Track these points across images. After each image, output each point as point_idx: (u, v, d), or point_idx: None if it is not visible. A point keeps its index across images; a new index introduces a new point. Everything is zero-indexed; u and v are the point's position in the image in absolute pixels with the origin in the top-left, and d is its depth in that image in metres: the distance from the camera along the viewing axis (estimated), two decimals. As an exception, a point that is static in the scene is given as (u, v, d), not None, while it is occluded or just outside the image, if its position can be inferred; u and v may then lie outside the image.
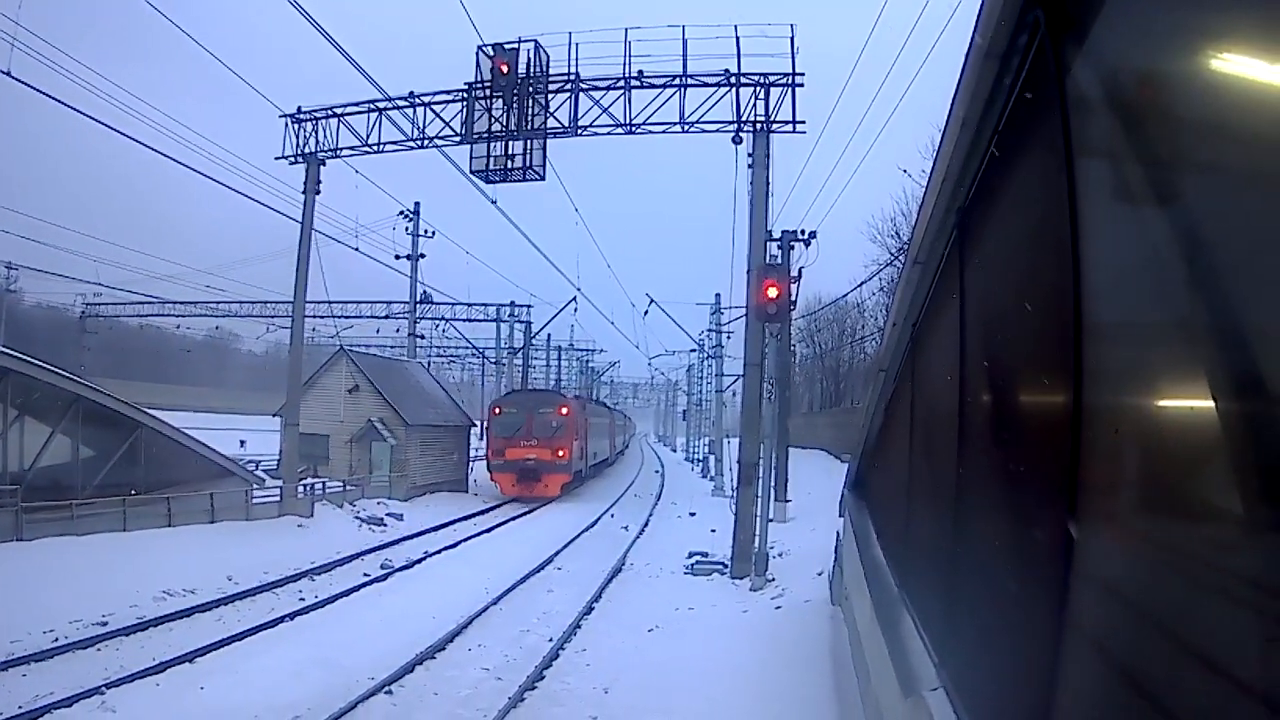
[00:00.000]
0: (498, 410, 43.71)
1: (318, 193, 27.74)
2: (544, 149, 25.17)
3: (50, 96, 19.63)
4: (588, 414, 49.69)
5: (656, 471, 66.42)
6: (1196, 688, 1.99)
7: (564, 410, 42.87)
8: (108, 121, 21.43)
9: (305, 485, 29.30)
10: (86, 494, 20.98)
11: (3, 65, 18.65)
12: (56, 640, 14.36)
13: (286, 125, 27.55)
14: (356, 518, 29.31)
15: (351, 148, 27.19)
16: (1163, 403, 2.28)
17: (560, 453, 41.62)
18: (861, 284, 42.13)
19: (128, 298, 62.36)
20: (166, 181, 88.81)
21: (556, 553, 25.46)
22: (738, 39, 22.65)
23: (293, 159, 27.69)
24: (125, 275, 63.55)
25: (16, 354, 20.48)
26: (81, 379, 23.40)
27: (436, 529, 30.02)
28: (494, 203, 27.14)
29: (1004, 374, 3.93)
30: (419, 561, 23.71)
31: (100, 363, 62.53)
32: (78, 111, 20.41)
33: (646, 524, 33.97)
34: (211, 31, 23.04)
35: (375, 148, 26.82)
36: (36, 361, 20.72)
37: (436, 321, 58.14)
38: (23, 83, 18.95)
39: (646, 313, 51.06)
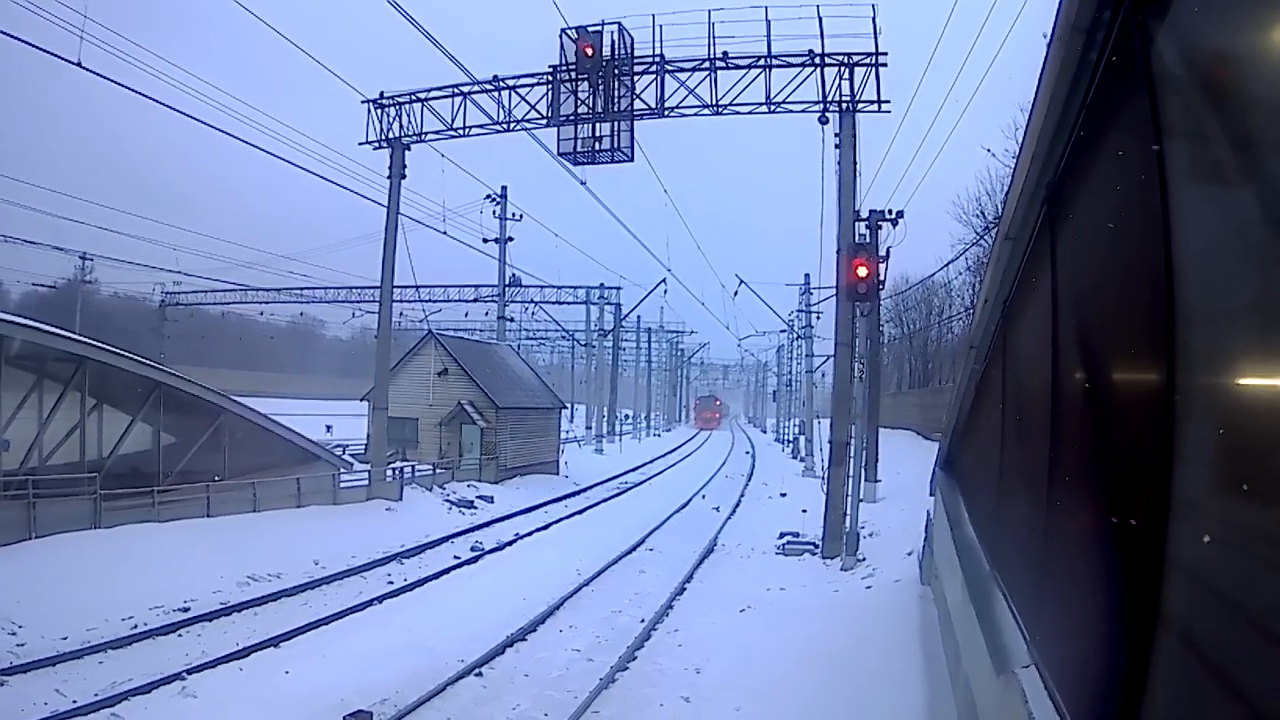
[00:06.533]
0: (698, 401, 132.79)
1: (403, 177, 28.11)
2: (631, 130, 25.12)
3: (122, 85, 19.48)
4: (722, 403, 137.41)
5: (747, 453, 66.26)
6: None
7: (718, 402, 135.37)
8: (186, 110, 21.54)
9: (394, 469, 29.72)
10: (168, 481, 21.13)
11: (73, 56, 18.49)
12: (136, 627, 14.58)
13: (369, 111, 27.87)
14: (446, 500, 29.66)
15: (436, 132, 27.38)
16: (1259, 385, 2.25)
17: (718, 415, 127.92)
18: (949, 263, 41.36)
19: (208, 285, 63.03)
20: (246, 169, 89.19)
21: (648, 534, 25.65)
22: (820, 19, 22.50)
23: (376, 144, 28.01)
24: (205, 263, 64.21)
25: (93, 342, 20.57)
26: (161, 366, 23.65)
27: (528, 511, 30.26)
28: (583, 184, 27.17)
29: (1097, 352, 3.87)
30: (510, 544, 23.96)
31: (181, 351, 63.12)
32: (154, 100, 20.36)
33: (737, 505, 33.95)
34: (288, 19, 23.09)
35: (460, 131, 26.96)
36: (114, 349, 20.83)
37: (525, 304, 58.52)
38: (94, 73, 18.83)
39: (736, 294, 51.90)
